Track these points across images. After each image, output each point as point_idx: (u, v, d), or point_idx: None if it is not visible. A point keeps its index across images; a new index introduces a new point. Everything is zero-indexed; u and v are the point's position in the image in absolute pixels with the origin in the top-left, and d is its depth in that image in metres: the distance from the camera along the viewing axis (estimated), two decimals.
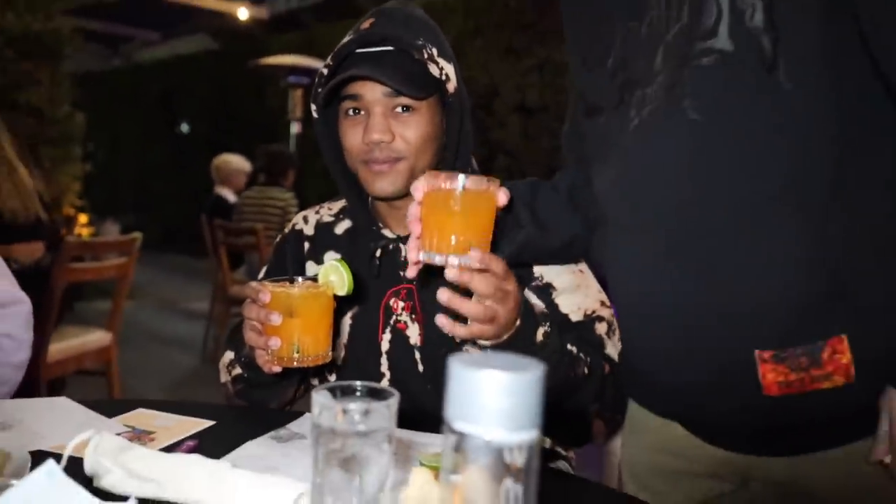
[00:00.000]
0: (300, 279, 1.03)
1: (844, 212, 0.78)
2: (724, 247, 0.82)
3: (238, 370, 1.18)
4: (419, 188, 0.89)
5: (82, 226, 6.01)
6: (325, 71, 1.13)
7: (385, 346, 1.18)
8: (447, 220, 0.87)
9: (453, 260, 0.87)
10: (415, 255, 0.89)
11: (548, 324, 1.04)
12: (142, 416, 1.04)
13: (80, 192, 6.18)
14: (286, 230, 1.33)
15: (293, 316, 0.98)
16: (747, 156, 0.79)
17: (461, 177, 0.86)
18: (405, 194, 1.13)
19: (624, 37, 0.92)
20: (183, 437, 0.96)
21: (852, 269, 0.78)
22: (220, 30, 10.11)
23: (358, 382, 0.66)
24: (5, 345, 1.38)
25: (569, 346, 1.07)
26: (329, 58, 1.14)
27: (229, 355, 1.22)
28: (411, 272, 0.92)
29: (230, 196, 4.96)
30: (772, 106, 0.77)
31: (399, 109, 1.11)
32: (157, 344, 5.06)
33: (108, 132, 10.72)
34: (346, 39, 1.13)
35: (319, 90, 1.14)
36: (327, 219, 1.29)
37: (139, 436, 0.96)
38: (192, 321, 5.63)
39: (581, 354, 1.08)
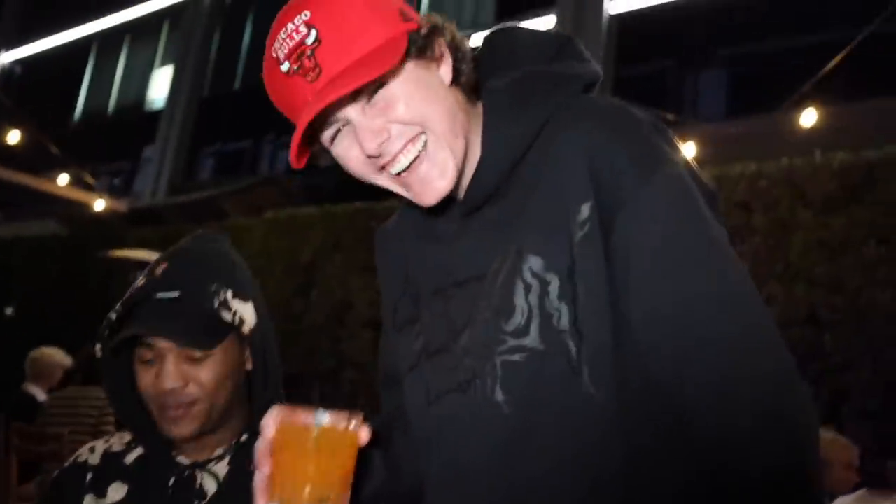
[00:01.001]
0: None
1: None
2: None
3: None
4: (270, 424, 0.80)
5: None
6: (114, 316, 1.11)
7: None
8: (302, 465, 0.77)
9: None
10: (263, 500, 0.80)
11: None
12: None
13: None
14: (66, 464, 1.23)
15: None
16: (555, 454, 0.81)
17: (319, 413, 0.77)
18: (207, 432, 1.13)
19: (431, 309, 0.94)
20: None
21: None
22: (71, 217, 9.79)
23: None
24: None
25: None
26: (119, 304, 1.12)
27: None
28: None
29: (40, 394, 4.46)
30: (576, 407, 0.80)
31: (194, 356, 1.10)
32: None
33: None
34: (139, 283, 1.13)
35: (106, 335, 1.11)
36: (117, 448, 1.21)
37: None
38: None
39: None
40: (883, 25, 5.43)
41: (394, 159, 0.83)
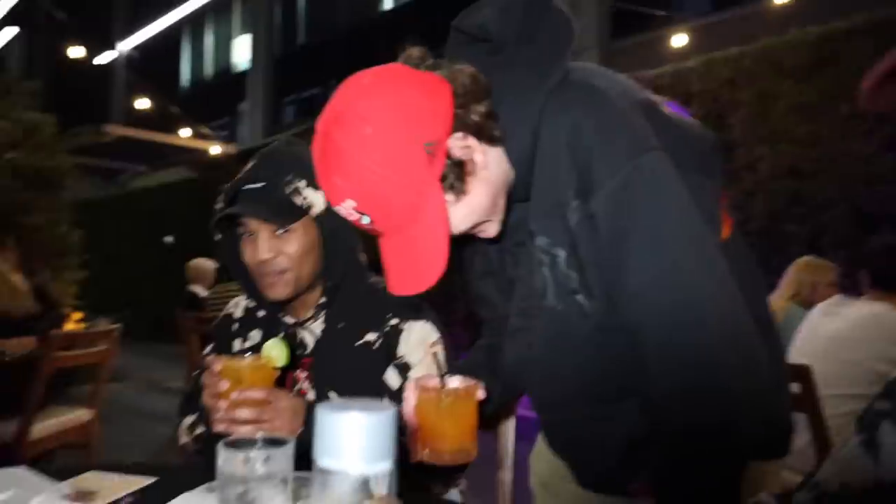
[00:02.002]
0: (248, 355, 0.98)
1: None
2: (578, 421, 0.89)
3: (202, 428, 1.11)
4: (410, 396, 0.83)
5: (76, 321, 5.56)
6: (219, 205, 1.11)
7: None
8: (440, 426, 0.79)
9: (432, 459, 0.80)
10: (416, 450, 0.82)
11: None
12: (90, 479, 0.91)
13: (76, 293, 5.78)
14: (221, 314, 1.28)
15: (241, 384, 0.92)
16: (580, 370, 0.84)
17: (446, 391, 0.80)
18: (298, 295, 1.13)
19: (504, 265, 0.93)
20: (122, 494, 0.85)
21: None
22: (196, 162, 9.97)
23: (259, 433, 0.60)
24: None
25: None
26: (222, 193, 1.12)
27: (189, 419, 1.14)
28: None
29: (201, 291, 4.73)
30: (592, 343, 0.81)
31: (279, 231, 1.09)
32: (139, 419, 4.62)
33: (105, 247, 10.17)
34: (237, 177, 1.12)
35: (216, 220, 1.11)
36: (252, 304, 1.25)
37: (82, 495, 0.83)
38: (170, 397, 5.19)
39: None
40: None
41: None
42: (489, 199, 0.79)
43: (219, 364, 0.94)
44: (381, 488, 0.36)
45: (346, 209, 0.74)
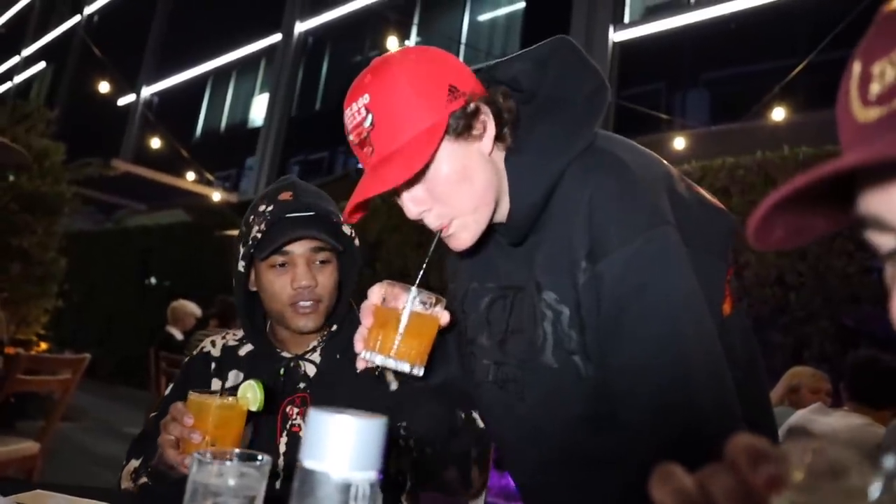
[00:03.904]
0: (219, 395, 0.95)
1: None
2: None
3: (144, 479, 1.03)
4: (375, 290, 0.82)
5: (40, 352, 5.41)
6: (259, 235, 1.09)
7: (282, 447, 1.09)
8: (392, 332, 0.78)
9: (375, 358, 0.79)
10: (360, 347, 0.82)
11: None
12: (37, 497, 0.88)
13: (46, 323, 5.66)
14: (195, 352, 1.23)
15: (205, 423, 0.89)
16: (569, 431, 0.83)
17: (412, 296, 0.78)
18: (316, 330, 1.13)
19: (476, 301, 0.93)
20: None
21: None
22: (195, 206, 10.06)
23: (235, 449, 0.60)
24: None
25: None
26: (262, 224, 1.09)
27: (133, 464, 1.08)
28: (360, 364, 0.84)
29: (178, 334, 4.66)
30: (584, 401, 0.81)
31: (318, 262, 1.11)
32: (86, 461, 4.38)
33: (89, 280, 10.06)
34: (269, 207, 1.11)
35: (252, 250, 1.09)
36: (232, 343, 1.22)
37: None
38: (123, 442, 4.93)
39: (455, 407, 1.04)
40: (831, 53, 5.28)
41: (430, 225, 0.83)
42: (480, 170, 0.79)
43: (190, 416, 0.89)
44: (364, 498, 0.37)
45: (358, 106, 0.78)
